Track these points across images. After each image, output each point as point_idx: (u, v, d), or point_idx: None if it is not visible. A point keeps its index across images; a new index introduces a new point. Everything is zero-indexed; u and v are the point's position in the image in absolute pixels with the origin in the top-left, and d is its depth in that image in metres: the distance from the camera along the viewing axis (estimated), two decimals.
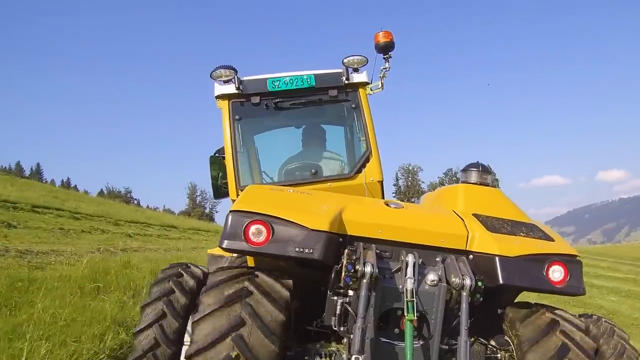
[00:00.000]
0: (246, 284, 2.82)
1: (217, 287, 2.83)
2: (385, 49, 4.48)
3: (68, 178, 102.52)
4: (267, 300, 2.77)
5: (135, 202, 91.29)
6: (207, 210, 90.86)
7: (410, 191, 78.78)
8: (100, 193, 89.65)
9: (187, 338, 3.54)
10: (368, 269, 2.73)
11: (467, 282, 2.83)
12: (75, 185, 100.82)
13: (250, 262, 3.59)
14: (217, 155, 4.97)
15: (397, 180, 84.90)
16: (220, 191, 4.93)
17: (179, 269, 3.95)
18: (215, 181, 5.00)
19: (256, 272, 2.95)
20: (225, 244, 2.88)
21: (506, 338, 3.14)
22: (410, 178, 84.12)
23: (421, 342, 2.90)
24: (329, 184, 4.39)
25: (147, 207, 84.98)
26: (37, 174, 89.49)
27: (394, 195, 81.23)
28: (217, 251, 4.82)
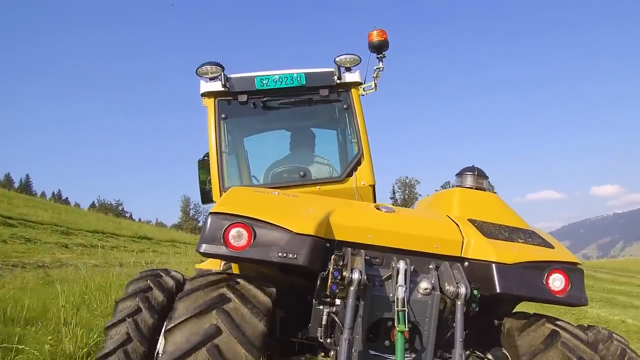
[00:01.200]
0: (224, 290, 2.63)
1: (193, 293, 2.64)
2: (379, 48, 4.31)
3: (59, 190, 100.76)
4: (246, 308, 2.58)
5: (128, 215, 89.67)
6: (200, 224, 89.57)
7: (407, 205, 78.09)
8: (92, 206, 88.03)
9: (160, 345, 3.26)
10: (356, 275, 2.57)
11: (462, 290, 2.66)
12: (67, 198, 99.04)
13: (235, 269, 3.41)
14: (205, 159, 4.76)
15: (393, 193, 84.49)
16: (209, 196, 4.69)
17: (159, 271, 3.75)
18: (203, 185, 4.82)
19: (236, 279, 2.76)
20: (204, 247, 2.69)
21: (504, 351, 2.97)
22: (407, 191, 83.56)
23: (413, 355, 2.74)
24: (318, 187, 4.20)
25: (139, 220, 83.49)
26: (26, 186, 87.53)
27: None
28: (206, 265, 4.71)
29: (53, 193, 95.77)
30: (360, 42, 4.43)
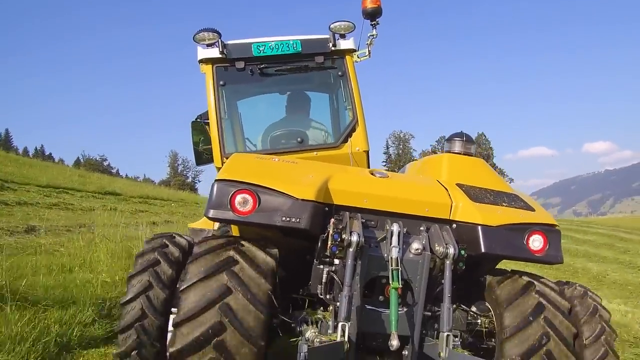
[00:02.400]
0: (232, 253, 2.83)
1: (202, 256, 2.82)
2: (373, 15, 4.35)
3: (42, 146, 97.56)
4: (252, 269, 2.78)
5: (115, 170, 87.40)
6: (189, 180, 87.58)
7: (401, 160, 75.52)
8: (77, 162, 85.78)
9: (174, 309, 3.40)
10: (354, 238, 2.74)
11: (451, 251, 2.85)
12: (50, 154, 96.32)
13: (235, 231, 3.58)
14: (198, 120, 4.85)
15: (387, 148, 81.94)
16: (203, 157, 4.85)
17: (164, 240, 3.78)
18: (197, 147, 4.86)
19: (242, 242, 2.94)
20: (212, 213, 2.86)
21: (486, 303, 3.21)
22: (401, 146, 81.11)
23: (405, 309, 2.93)
24: (315, 152, 4.36)
25: (126, 176, 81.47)
26: (5, 141, 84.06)
27: (383, 163, 78.57)
28: (199, 224, 5.09)
29: (36, 149, 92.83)
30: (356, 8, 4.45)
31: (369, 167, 4.44)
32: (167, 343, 2.91)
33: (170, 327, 3.13)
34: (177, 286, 3.34)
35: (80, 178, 27.18)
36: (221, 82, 4.36)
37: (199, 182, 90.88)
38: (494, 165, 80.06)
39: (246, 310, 2.65)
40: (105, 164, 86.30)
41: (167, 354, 2.71)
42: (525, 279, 3.08)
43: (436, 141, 75.87)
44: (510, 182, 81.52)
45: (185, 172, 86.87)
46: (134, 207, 20.82)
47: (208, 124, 4.51)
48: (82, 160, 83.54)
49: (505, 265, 3.73)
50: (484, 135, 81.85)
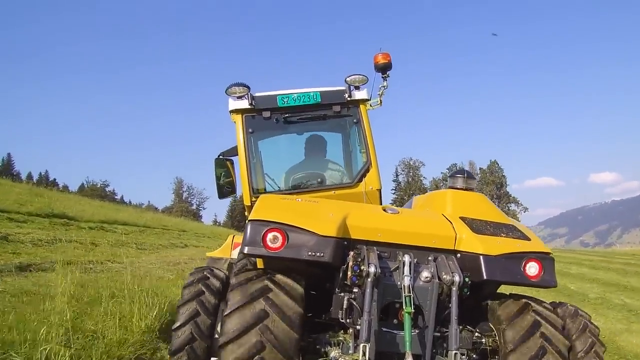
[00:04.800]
0: (266, 282, 3.24)
1: (241, 285, 3.24)
2: (384, 69, 4.84)
3: (47, 171, 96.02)
4: (285, 295, 3.18)
5: (118, 198, 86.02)
6: (193, 207, 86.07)
7: (411, 188, 73.49)
8: (81, 188, 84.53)
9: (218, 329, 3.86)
10: (372, 269, 3.13)
11: (457, 278, 3.24)
12: (55, 179, 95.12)
13: (259, 264, 3.80)
14: (221, 157, 5.27)
15: (396, 176, 79.95)
16: (224, 191, 5.28)
17: (205, 273, 4.33)
18: (219, 181, 5.27)
19: (273, 272, 3.35)
20: (247, 249, 3.26)
21: (489, 324, 3.57)
22: (411, 173, 79.21)
23: (417, 331, 3.30)
24: (333, 191, 4.78)
25: (130, 202, 79.96)
26: (8, 166, 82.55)
27: (393, 191, 76.73)
28: (217, 253, 5.48)
29: (40, 174, 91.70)
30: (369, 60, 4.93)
31: (381, 203, 4.85)
32: None
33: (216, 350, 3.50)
34: (220, 313, 3.85)
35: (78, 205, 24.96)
36: (250, 130, 4.83)
37: (204, 209, 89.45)
38: (507, 194, 78.27)
39: (282, 330, 3.05)
40: (108, 189, 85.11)
41: None
42: (523, 300, 3.48)
43: (447, 169, 74.19)
44: (524, 211, 79.61)
45: (190, 199, 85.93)
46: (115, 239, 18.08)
47: (229, 160, 5.19)
48: (86, 186, 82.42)
49: (504, 289, 4.01)
50: (497, 163, 79.90)
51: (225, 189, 5.21)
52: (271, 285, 3.18)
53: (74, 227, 18.84)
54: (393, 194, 75.17)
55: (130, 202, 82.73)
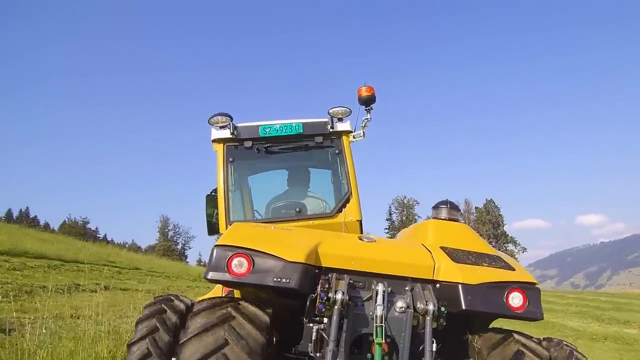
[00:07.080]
0: (229, 309, 3.04)
1: (202, 312, 3.06)
2: (367, 101, 4.87)
3: (27, 208, 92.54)
4: (248, 324, 2.97)
5: (100, 237, 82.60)
6: (179, 246, 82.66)
7: (404, 226, 71.98)
8: (62, 225, 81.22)
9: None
10: (339, 296, 2.96)
11: (430, 307, 3.04)
12: (36, 216, 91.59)
13: (237, 294, 3.75)
14: (212, 194, 5.22)
15: (390, 214, 78.28)
16: (215, 228, 5.23)
17: (170, 296, 4.08)
18: (210, 218, 5.29)
19: (239, 301, 3.17)
20: (210, 275, 3.12)
21: (470, 359, 3.35)
22: (405, 212, 77.56)
23: None
24: (312, 221, 4.71)
25: (112, 241, 76.86)
26: None
27: (386, 230, 74.73)
28: (207, 297, 5.37)
29: (20, 211, 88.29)
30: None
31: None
32: None
33: None
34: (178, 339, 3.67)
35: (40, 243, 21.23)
36: (230, 159, 4.84)
37: (190, 248, 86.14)
38: (504, 234, 76.95)
39: None
40: (88, 227, 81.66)
41: None
42: (505, 330, 3.31)
43: None
44: (523, 252, 77.80)
45: (175, 238, 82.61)
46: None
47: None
48: (67, 223, 79.25)
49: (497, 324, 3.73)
50: (493, 202, 79.16)
51: (216, 225, 5.16)
52: (234, 313, 3.02)
53: None
54: (386, 232, 73.41)
55: (112, 240, 79.42)
